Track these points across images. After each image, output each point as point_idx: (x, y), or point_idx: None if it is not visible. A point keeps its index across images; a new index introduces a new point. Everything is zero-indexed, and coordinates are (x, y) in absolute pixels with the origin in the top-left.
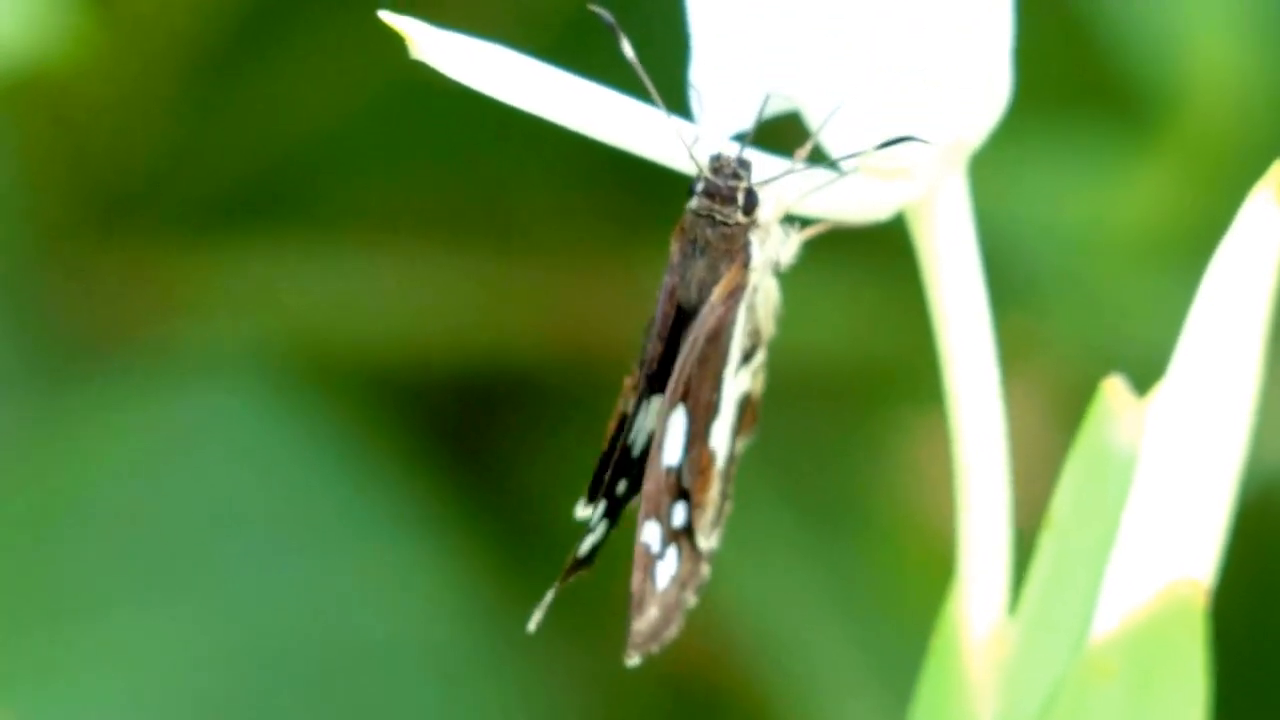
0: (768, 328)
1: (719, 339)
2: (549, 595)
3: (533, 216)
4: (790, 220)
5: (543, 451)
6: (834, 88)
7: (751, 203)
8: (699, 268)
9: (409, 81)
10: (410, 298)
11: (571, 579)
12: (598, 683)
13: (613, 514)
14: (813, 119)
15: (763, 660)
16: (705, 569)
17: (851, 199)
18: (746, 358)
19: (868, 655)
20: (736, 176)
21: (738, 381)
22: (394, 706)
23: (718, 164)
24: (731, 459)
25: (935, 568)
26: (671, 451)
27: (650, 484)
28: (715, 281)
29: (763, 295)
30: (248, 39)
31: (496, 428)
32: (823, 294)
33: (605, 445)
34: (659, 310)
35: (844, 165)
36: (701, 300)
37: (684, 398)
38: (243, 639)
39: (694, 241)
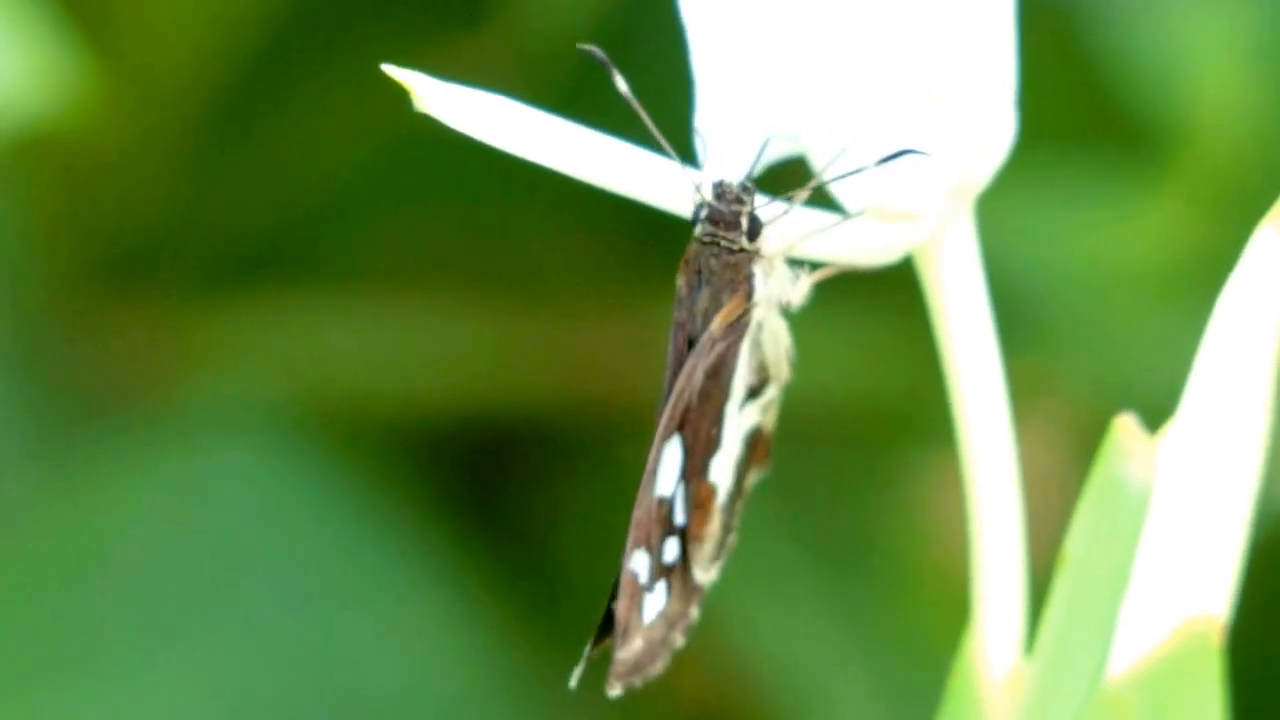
0: (780, 369)
1: (720, 375)
2: (586, 652)
3: (543, 266)
4: (799, 264)
5: (557, 500)
6: (839, 131)
7: (755, 228)
8: (703, 298)
9: (417, 134)
10: (422, 349)
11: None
12: None
13: None
14: (818, 162)
15: (778, 701)
16: (694, 611)
17: (858, 243)
18: (754, 393)
19: (884, 695)
20: (740, 201)
21: (744, 416)
22: None
23: (720, 190)
24: (738, 493)
25: (951, 607)
26: (665, 483)
27: (640, 511)
28: (718, 311)
29: (769, 334)
30: (255, 93)
31: (510, 477)
32: (836, 334)
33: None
34: (671, 346)
35: (851, 202)
36: (705, 329)
37: (680, 429)
38: (261, 694)
39: (699, 273)
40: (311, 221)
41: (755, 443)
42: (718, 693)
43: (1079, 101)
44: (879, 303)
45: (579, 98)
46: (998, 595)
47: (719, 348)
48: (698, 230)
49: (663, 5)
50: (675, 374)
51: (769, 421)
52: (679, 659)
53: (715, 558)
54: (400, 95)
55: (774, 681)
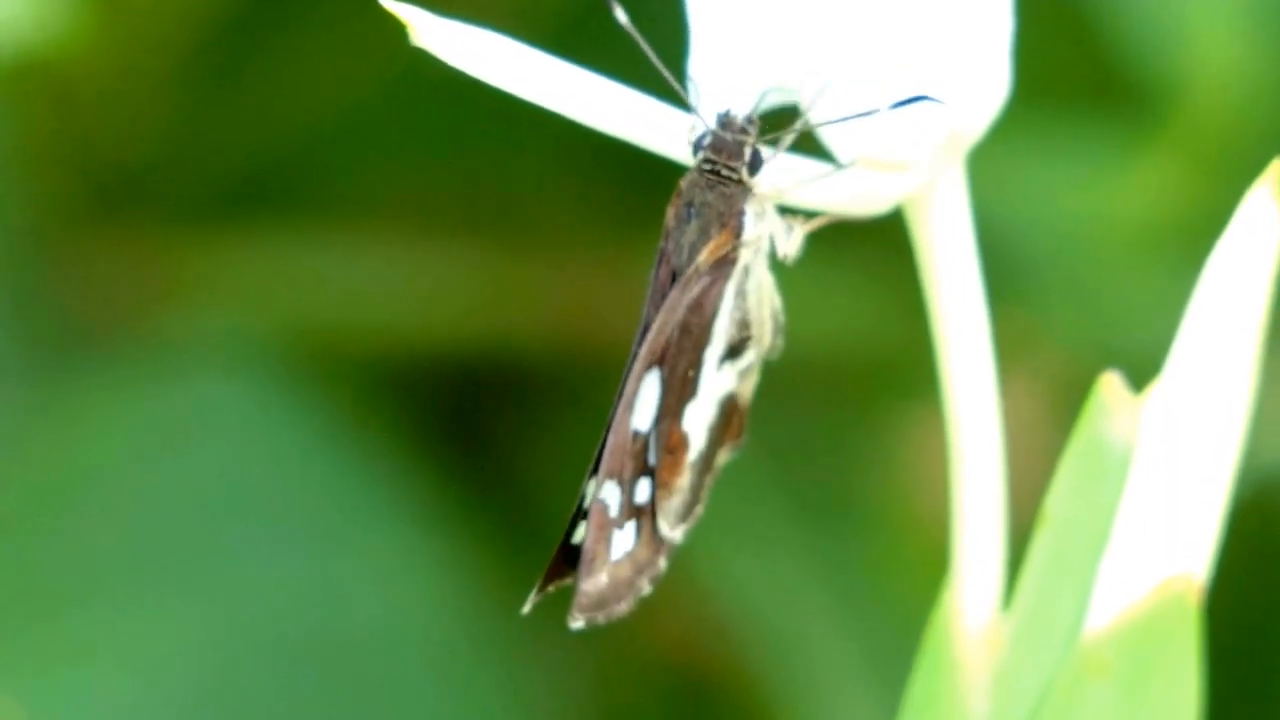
0: (763, 331)
1: (702, 309)
2: (539, 583)
3: (532, 208)
4: (792, 214)
5: (541, 442)
6: (833, 80)
7: (757, 161)
8: (691, 230)
9: (409, 72)
10: (409, 288)
11: (565, 578)
12: (595, 674)
13: None
14: (812, 111)
15: (758, 654)
16: (662, 562)
17: (849, 192)
18: (734, 352)
19: (864, 649)
20: (744, 132)
21: (721, 376)
22: (392, 695)
23: (726, 119)
24: (708, 465)
25: (932, 562)
26: (641, 416)
27: (615, 439)
28: (705, 245)
29: (755, 285)
30: (250, 26)
31: (495, 418)
32: (821, 287)
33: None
34: (653, 276)
35: (842, 152)
36: (690, 263)
37: (660, 362)
38: (242, 627)
39: (690, 204)
40: (302, 156)
41: (730, 413)
42: (697, 644)
43: (1076, 59)
44: (865, 254)
45: (575, 43)
46: (977, 550)
47: (703, 283)
48: (697, 158)
49: None
50: (655, 304)
51: (745, 392)
52: (660, 611)
53: (682, 519)
54: (396, 32)
55: (754, 634)
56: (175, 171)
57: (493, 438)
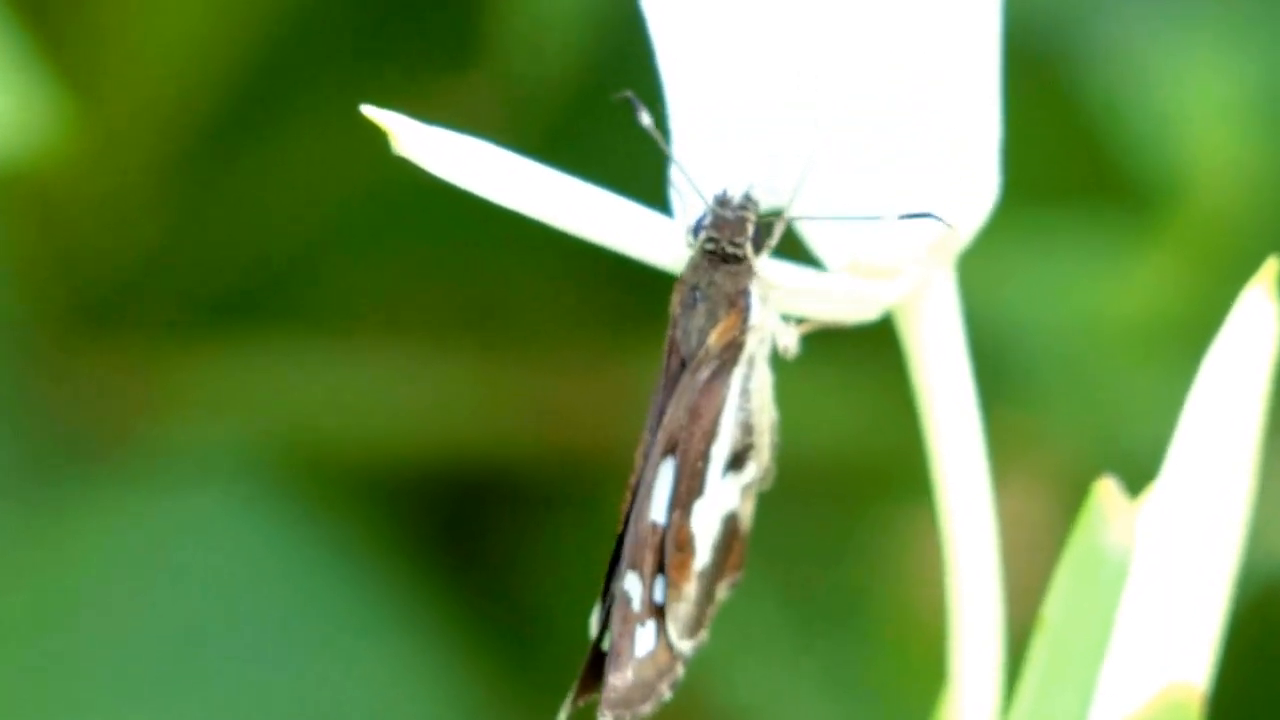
0: (762, 442)
1: (712, 393)
2: (572, 693)
3: (526, 316)
4: (783, 318)
5: (534, 551)
6: (818, 186)
7: (759, 236)
8: (698, 315)
9: (399, 177)
10: (402, 396)
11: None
12: None
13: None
14: (797, 215)
15: None
16: (680, 669)
17: (838, 298)
18: (737, 461)
19: None
20: (744, 208)
21: (726, 485)
22: None
23: (723, 199)
24: (712, 585)
25: (933, 666)
26: (657, 507)
27: (635, 529)
28: (714, 328)
29: (758, 382)
30: (235, 135)
31: (488, 527)
32: (817, 389)
33: (620, 525)
34: (663, 366)
35: (830, 258)
36: (700, 347)
37: (673, 450)
38: None
39: (695, 288)
40: (290, 264)
41: (731, 537)
42: None
43: (1071, 156)
44: (860, 357)
45: (564, 143)
46: (974, 656)
47: (712, 366)
48: (698, 240)
49: (646, 56)
50: (666, 392)
51: (746, 516)
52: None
53: (690, 633)
54: (383, 140)
55: None
56: (161, 282)
57: (486, 546)
